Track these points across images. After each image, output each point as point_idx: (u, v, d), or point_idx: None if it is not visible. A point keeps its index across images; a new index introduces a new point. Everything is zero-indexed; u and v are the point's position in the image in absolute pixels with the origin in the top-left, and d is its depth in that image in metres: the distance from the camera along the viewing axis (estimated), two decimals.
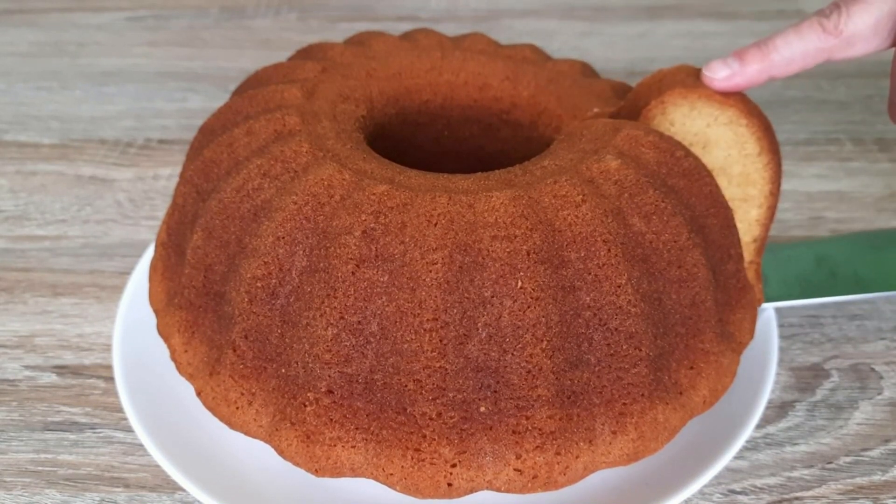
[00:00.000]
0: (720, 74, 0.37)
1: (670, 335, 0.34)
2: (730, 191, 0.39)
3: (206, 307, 0.36)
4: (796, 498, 0.38)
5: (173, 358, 0.37)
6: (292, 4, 0.85)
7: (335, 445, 0.32)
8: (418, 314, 0.31)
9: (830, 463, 0.40)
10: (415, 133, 0.44)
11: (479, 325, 0.31)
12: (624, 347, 0.32)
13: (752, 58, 0.37)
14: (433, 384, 0.31)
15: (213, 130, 0.39)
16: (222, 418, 0.34)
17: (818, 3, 0.82)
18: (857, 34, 0.37)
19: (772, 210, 0.40)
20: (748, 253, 0.40)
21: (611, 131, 0.37)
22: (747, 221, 0.40)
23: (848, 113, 0.66)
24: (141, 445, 0.40)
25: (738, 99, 0.37)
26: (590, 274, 0.32)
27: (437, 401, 0.32)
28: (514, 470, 0.32)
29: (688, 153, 0.37)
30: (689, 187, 0.36)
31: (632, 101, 0.39)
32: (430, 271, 0.31)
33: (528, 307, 0.31)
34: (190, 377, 0.36)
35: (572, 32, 0.80)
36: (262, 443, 0.35)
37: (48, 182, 0.59)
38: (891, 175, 0.59)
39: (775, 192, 0.39)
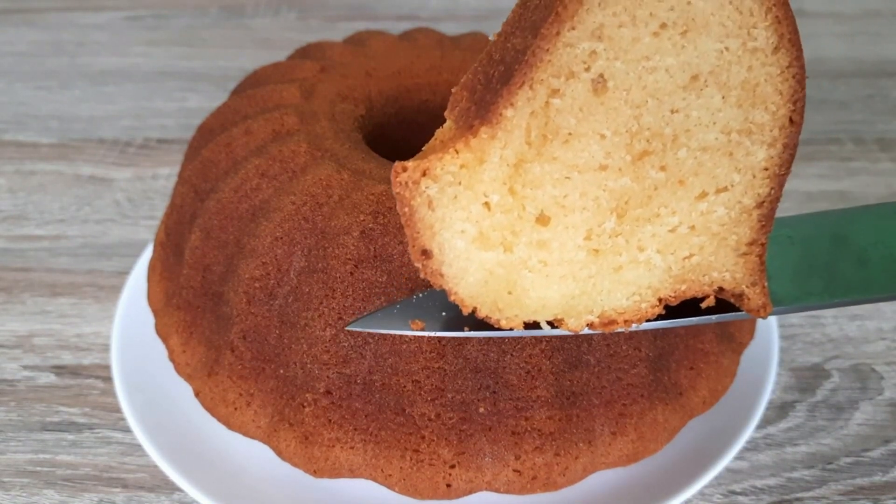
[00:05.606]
0: None
1: (670, 336, 0.34)
2: (724, 114, 0.25)
3: (205, 307, 0.36)
4: (797, 499, 0.38)
5: (171, 358, 0.36)
6: (292, 4, 0.84)
7: (334, 446, 0.32)
8: None
9: (831, 463, 0.40)
10: (414, 133, 0.44)
11: None
12: (623, 348, 0.32)
13: None
14: (432, 385, 0.31)
15: (212, 130, 0.39)
16: (220, 419, 0.34)
17: (821, 3, 0.82)
18: None
19: (790, 152, 0.25)
20: (749, 228, 0.26)
21: None
22: (749, 169, 0.25)
23: (848, 113, 0.66)
24: (139, 446, 0.40)
25: None
26: None
27: (436, 401, 0.31)
28: (514, 471, 0.32)
29: None
30: None
31: None
32: None
33: None
34: (188, 377, 0.36)
35: None
36: (260, 443, 0.35)
37: (47, 182, 0.59)
38: (892, 175, 0.59)
39: (798, 121, 0.25)
